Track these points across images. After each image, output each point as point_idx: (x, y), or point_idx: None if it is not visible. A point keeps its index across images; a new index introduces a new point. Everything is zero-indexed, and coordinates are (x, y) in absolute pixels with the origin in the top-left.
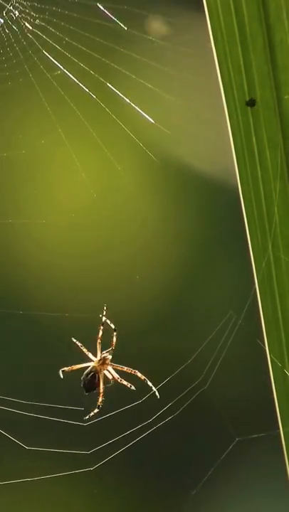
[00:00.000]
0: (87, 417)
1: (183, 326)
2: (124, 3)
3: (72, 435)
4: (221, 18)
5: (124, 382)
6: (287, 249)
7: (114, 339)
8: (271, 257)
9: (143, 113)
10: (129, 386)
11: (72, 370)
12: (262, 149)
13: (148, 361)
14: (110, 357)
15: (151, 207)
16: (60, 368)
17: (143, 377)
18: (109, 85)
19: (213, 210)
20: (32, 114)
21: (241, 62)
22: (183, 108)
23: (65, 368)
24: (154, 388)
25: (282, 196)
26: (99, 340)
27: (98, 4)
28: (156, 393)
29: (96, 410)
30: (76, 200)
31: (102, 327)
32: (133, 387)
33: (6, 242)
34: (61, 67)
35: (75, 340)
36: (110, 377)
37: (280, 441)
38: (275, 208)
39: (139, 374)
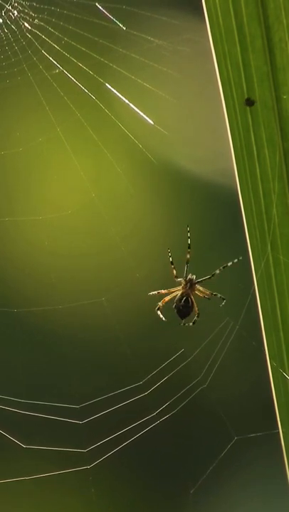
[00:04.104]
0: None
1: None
2: (123, 3)
3: (68, 433)
4: (220, 17)
5: (218, 295)
6: (286, 250)
7: (188, 255)
8: (270, 257)
9: (142, 114)
10: (221, 298)
11: (159, 294)
12: (261, 149)
13: (148, 360)
14: (194, 276)
15: (150, 206)
16: (60, 368)
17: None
18: (108, 85)
19: (212, 209)
20: (30, 113)
21: (240, 62)
22: (181, 107)
23: (154, 292)
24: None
25: (281, 196)
26: (173, 267)
27: (97, 4)
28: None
29: (192, 324)
30: (74, 199)
31: (170, 253)
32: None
33: (5, 240)
34: (60, 67)
35: (152, 293)
36: (202, 295)
37: (279, 441)
38: (274, 208)
39: (219, 295)
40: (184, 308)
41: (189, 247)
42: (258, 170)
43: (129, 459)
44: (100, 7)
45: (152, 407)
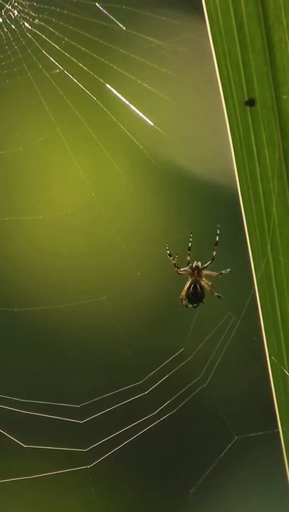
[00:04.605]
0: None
1: (182, 324)
2: (123, 3)
3: (68, 433)
4: (220, 17)
5: (216, 294)
6: (286, 249)
7: (190, 244)
8: (270, 257)
9: (141, 114)
10: (218, 296)
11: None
12: (261, 149)
13: (148, 360)
14: (200, 263)
15: (150, 206)
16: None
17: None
18: (108, 86)
19: (212, 209)
20: (30, 112)
21: (240, 62)
22: (181, 107)
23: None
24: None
25: (281, 196)
26: (172, 259)
27: (97, 4)
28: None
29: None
30: (74, 199)
31: (167, 248)
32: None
33: (5, 240)
34: (60, 67)
35: (167, 250)
36: (208, 288)
37: (279, 440)
38: (274, 208)
39: (224, 271)
40: (195, 295)
41: (191, 239)
42: (257, 170)
43: (129, 459)
44: (100, 7)
45: (152, 406)
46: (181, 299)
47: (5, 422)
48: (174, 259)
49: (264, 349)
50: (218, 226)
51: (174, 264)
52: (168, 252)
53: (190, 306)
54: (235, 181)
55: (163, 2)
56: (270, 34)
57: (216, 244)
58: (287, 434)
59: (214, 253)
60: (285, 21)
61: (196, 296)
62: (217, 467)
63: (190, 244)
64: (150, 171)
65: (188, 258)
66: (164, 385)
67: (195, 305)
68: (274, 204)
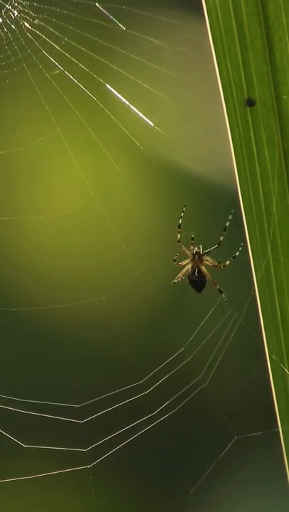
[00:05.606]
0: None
1: (183, 324)
2: (123, 3)
3: (68, 433)
4: (220, 17)
5: (218, 287)
6: (285, 249)
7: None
8: (270, 257)
9: (141, 115)
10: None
11: (180, 266)
12: (261, 149)
13: (148, 360)
14: (200, 249)
15: (150, 206)
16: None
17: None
18: (108, 86)
19: (212, 209)
20: (30, 112)
21: (240, 62)
22: (181, 107)
23: (176, 263)
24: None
25: (281, 195)
26: (180, 244)
27: (97, 4)
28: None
29: (223, 296)
30: (74, 199)
31: (179, 230)
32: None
33: (4, 239)
34: (60, 67)
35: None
36: (211, 265)
37: (279, 440)
38: (274, 208)
39: (227, 262)
40: (198, 279)
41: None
42: (257, 169)
43: (129, 459)
44: (100, 7)
45: (152, 406)
46: (178, 278)
47: (5, 422)
48: (181, 244)
49: (264, 348)
50: (232, 211)
51: (183, 248)
52: (178, 236)
53: (178, 281)
54: (236, 181)
55: (163, 2)
56: (270, 34)
57: (225, 229)
58: (287, 433)
59: (221, 238)
60: (285, 21)
61: (199, 280)
62: (217, 467)
63: (192, 235)
64: (150, 171)
65: (191, 247)
66: (164, 384)
67: (199, 291)
68: (274, 204)
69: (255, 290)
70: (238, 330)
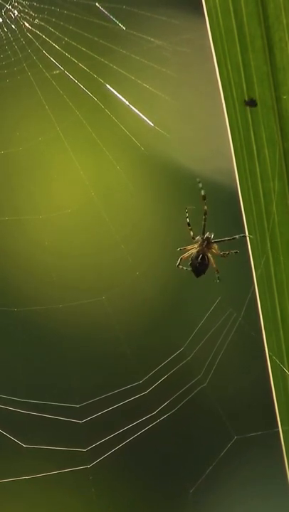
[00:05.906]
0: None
1: (182, 323)
2: (123, 3)
3: (68, 433)
4: (220, 17)
5: (218, 275)
6: (285, 248)
7: (205, 211)
8: (270, 256)
9: (141, 114)
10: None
11: (184, 250)
12: (261, 149)
13: (148, 358)
14: (212, 235)
15: (150, 205)
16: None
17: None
18: (108, 86)
19: (212, 209)
20: (30, 112)
21: (240, 62)
22: (181, 107)
23: (180, 248)
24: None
25: (281, 195)
26: (190, 228)
27: (97, 4)
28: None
29: (218, 281)
30: (74, 198)
31: (187, 214)
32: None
33: (5, 239)
34: (60, 67)
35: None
36: (216, 253)
37: (279, 440)
38: (274, 207)
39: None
40: (200, 265)
41: (206, 213)
42: (257, 169)
43: (129, 459)
44: (100, 7)
45: (152, 406)
46: (182, 259)
47: (5, 422)
48: (191, 229)
49: (264, 348)
50: (198, 180)
51: (191, 234)
52: (188, 220)
53: (185, 268)
54: (236, 181)
55: (163, 2)
56: (270, 34)
57: (206, 213)
58: (287, 433)
59: (237, 237)
60: (285, 21)
61: (201, 266)
62: (217, 467)
63: (204, 220)
64: (150, 171)
65: (204, 227)
66: (163, 384)
67: (197, 276)
68: (274, 204)
69: (255, 289)
70: (237, 329)
